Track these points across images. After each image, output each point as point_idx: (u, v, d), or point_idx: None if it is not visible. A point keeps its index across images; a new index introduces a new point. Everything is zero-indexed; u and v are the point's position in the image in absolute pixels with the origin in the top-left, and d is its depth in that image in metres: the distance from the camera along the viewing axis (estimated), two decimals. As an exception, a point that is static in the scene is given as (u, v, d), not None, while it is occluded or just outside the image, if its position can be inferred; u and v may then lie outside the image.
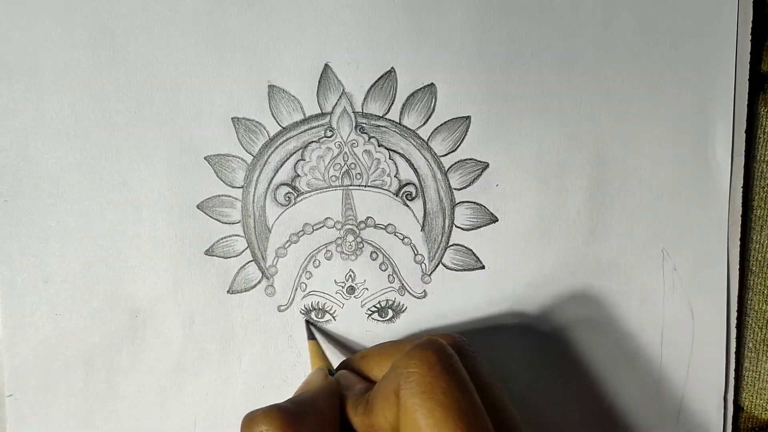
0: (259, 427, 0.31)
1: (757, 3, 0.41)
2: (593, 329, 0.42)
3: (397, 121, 0.40)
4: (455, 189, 0.41)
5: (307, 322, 0.41)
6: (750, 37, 0.41)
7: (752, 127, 0.42)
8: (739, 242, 0.43)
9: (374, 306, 0.42)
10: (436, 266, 0.41)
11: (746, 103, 0.42)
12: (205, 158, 0.40)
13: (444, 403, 0.29)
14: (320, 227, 0.41)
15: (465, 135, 0.41)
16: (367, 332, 0.42)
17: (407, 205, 0.41)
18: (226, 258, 0.41)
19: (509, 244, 0.41)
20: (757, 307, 0.43)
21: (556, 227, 0.41)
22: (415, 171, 0.41)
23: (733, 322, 0.43)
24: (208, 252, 0.40)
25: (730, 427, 0.44)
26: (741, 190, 0.42)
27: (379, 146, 0.40)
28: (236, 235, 0.40)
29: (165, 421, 0.41)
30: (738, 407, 0.45)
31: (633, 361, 0.43)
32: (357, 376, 0.37)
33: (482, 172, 0.41)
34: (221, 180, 0.40)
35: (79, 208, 0.39)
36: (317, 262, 0.41)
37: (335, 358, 0.41)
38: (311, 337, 0.41)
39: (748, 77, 0.42)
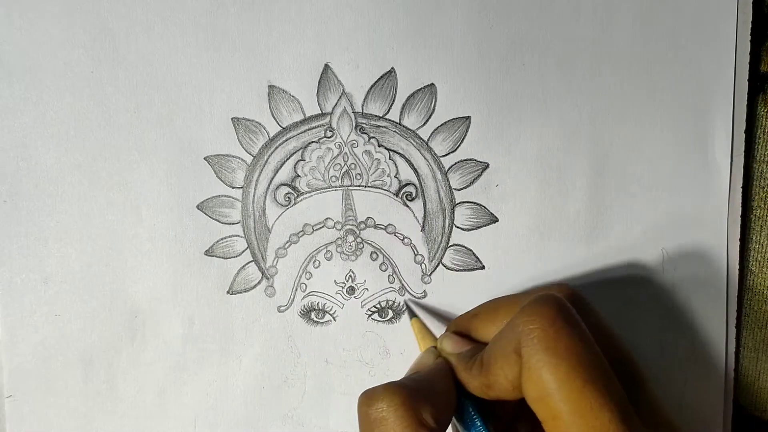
0: (378, 404, 0.31)
1: (757, 3, 0.41)
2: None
3: (397, 121, 0.40)
4: (455, 189, 0.41)
5: (406, 303, 0.41)
6: (750, 37, 0.41)
7: (752, 127, 0.42)
8: (738, 242, 0.43)
9: (374, 306, 0.42)
10: (436, 266, 0.41)
11: (746, 103, 0.42)
12: (204, 158, 0.40)
13: (568, 358, 0.29)
14: (320, 227, 0.41)
15: (465, 135, 0.41)
16: (367, 332, 0.42)
17: (407, 206, 0.41)
18: (226, 258, 0.40)
19: (509, 245, 0.41)
20: (756, 307, 0.43)
21: (556, 227, 0.41)
22: (415, 171, 0.41)
23: (733, 321, 0.43)
24: (208, 252, 0.40)
25: (729, 424, 0.44)
26: (741, 190, 0.42)
27: (379, 146, 0.40)
28: (236, 236, 0.40)
29: (164, 421, 0.41)
30: (738, 407, 0.45)
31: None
32: (462, 339, 0.36)
33: (482, 172, 0.41)
34: (221, 180, 0.40)
35: (79, 208, 0.39)
36: (317, 262, 0.41)
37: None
38: (413, 315, 0.41)
39: (747, 77, 0.42)
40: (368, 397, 0.31)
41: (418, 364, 0.36)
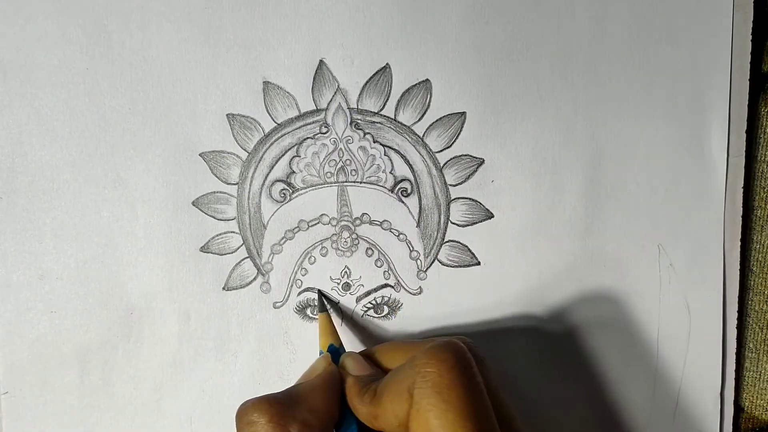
0: (249, 416, 0.32)
1: (758, 3, 0.41)
2: (589, 325, 0.42)
3: (392, 117, 0.40)
4: (450, 185, 0.41)
5: (320, 293, 0.41)
6: (750, 37, 0.41)
7: (753, 128, 0.42)
8: (739, 242, 0.43)
9: (370, 302, 0.41)
10: (432, 262, 0.41)
11: (746, 103, 0.42)
12: (200, 155, 0.40)
13: (458, 406, 0.29)
14: (315, 224, 0.41)
15: (460, 131, 0.40)
16: (362, 329, 0.42)
17: (402, 202, 0.41)
18: (222, 255, 0.40)
19: (505, 241, 0.41)
20: (757, 307, 0.43)
21: (551, 223, 0.41)
22: (411, 167, 0.41)
23: (730, 318, 0.43)
24: (204, 249, 0.40)
25: (730, 424, 0.44)
26: (741, 190, 0.42)
27: (374, 142, 0.40)
28: (231, 232, 0.40)
29: (160, 418, 0.41)
30: (738, 408, 0.45)
31: (629, 356, 0.43)
32: (365, 362, 0.37)
33: (478, 168, 0.41)
34: (216, 176, 0.40)
35: (74, 205, 0.39)
36: (312, 258, 0.41)
37: (366, 343, 0.41)
38: (323, 309, 0.41)
39: (748, 77, 0.41)
40: (241, 410, 0.32)
41: (311, 370, 0.37)
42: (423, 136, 0.40)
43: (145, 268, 0.40)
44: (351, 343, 0.42)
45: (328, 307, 0.41)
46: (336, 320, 0.41)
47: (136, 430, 0.41)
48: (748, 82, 0.42)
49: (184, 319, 0.41)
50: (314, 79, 0.40)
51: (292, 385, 0.35)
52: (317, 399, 0.34)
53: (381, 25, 0.40)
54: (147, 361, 0.41)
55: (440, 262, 0.41)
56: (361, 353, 0.38)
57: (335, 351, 0.38)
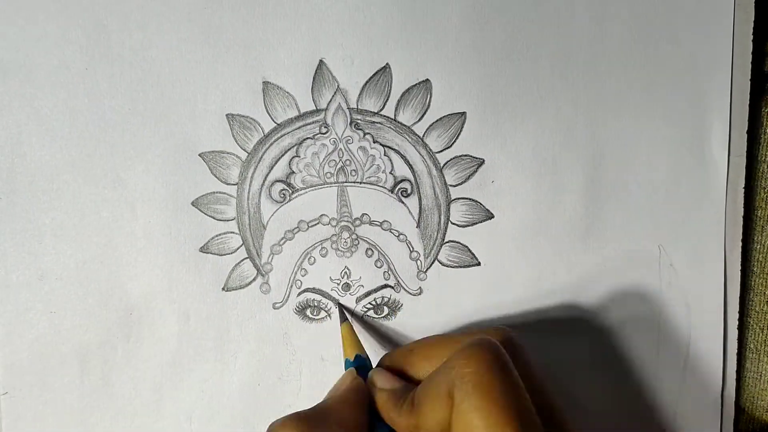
0: None
1: (759, 3, 0.41)
2: (589, 325, 0.42)
3: (392, 117, 0.40)
4: (451, 185, 0.41)
5: (340, 305, 0.41)
6: (752, 37, 0.41)
7: (754, 128, 0.42)
8: (740, 243, 0.43)
9: (370, 303, 0.41)
10: (432, 263, 0.41)
11: (747, 103, 0.41)
12: (199, 155, 0.40)
13: (500, 405, 0.29)
14: (315, 224, 0.41)
15: (460, 131, 0.40)
16: (362, 329, 0.42)
17: (402, 202, 0.41)
18: (221, 255, 0.40)
19: (505, 241, 0.41)
20: (758, 308, 0.43)
21: (552, 224, 0.41)
22: (411, 167, 0.41)
23: (731, 319, 0.43)
24: (203, 249, 0.40)
25: (730, 425, 0.44)
26: (742, 190, 0.42)
27: (374, 143, 0.40)
28: (231, 233, 0.40)
29: (160, 418, 0.41)
30: (739, 408, 0.45)
31: (629, 357, 0.43)
32: (393, 375, 0.37)
33: (478, 168, 0.41)
34: (216, 177, 0.40)
35: (74, 205, 0.39)
36: (312, 259, 0.41)
37: (366, 344, 0.41)
38: (344, 319, 0.40)
39: (749, 78, 0.41)
40: (271, 429, 0.33)
41: (336, 387, 0.37)
42: (423, 136, 0.40)
43: (145, 269, 0.40)
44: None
45: (349, 316, 0.41)
46: (356, 327, 0.41)
47: (136, 430, 0.41)
48: (749, 82, 0.41)
49: (184, 320, 0.41)
50: (314, 79, 0.40)
51: (320, 401, 0.35)
52: (345, 413, 0.34)
53: (381, 25, 0.39)
54: (146, 362, 0.41)
55: (440, 263, 0.41)
56: (386, 364, 0.38)
57: (361, 361, 0.38)
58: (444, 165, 0.41)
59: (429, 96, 0.40)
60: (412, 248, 0.41)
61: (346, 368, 0.38)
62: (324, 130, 0.40)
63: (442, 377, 0.31)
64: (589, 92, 0.41)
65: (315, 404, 0.34)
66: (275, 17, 0.39)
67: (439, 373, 0.32)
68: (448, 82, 0.40)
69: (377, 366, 0.38)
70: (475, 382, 0.30)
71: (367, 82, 0.40)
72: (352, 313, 0.42)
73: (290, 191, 0.40)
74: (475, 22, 0.40)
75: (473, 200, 0.41)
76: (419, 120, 0.40)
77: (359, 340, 0.39)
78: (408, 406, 0.33)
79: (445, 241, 0.41)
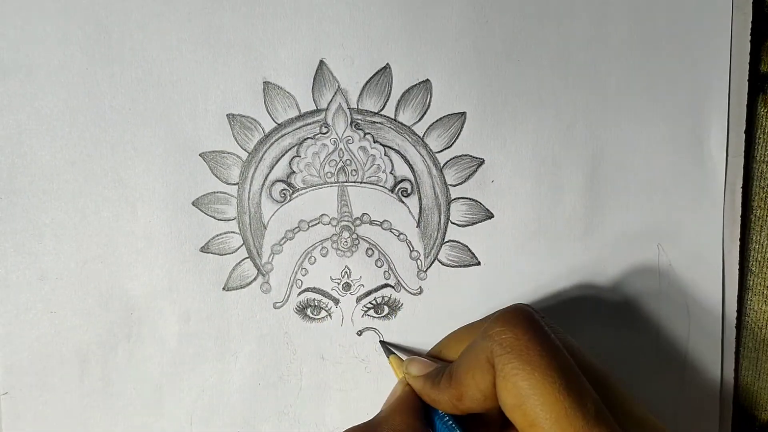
0: None
1: (757, 3, 0.41)
2: (589, 324, 0.42)
3: (393, 117, 0.40)
4: (451, 185, 0.41)
5: (382, 343, 0.42)
6: (750, 37, 0.41)
7: (752, 128, 0.42)
8: (738, 242, 0.43)
9: (370, 303, 0.41)
10: (432, 262, 0.41)
11: (746, 103, 0.42)
12: (200, 155, 0.40)
13: (542, 364, 0.30)
14: (316, 224, 0.41)
15: (460, 131, 0.40)
16: (363, 329, 0.42)
17: (403, 202, 0.41)
18: (222, 255, 0.40)
19: (505, 240, 0.41)
20: (756, 307, 0.43)
21: (551, 223, 0.41)
22: (411, 167, 0.41)
23: (729, 318, 0.43)
24: (204, 249, 0.40)
25: (729, 423, 0.44)
26: (741, 190, 0.42)
27: (374, 142, 0.40)
28: (231, 232, 0.40)
29: (160, 418, 0.41)
30: (738, 407, 0.45)
31: (629, 355, 0.43)
32: (426, 361, 0.37)
33: (478, 168, 0.41)
34: (216, 177, 0.40)
35: (74, 205, 0.39)
36: (313, 258, 0.41)
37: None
38: (389, 353, 0.41)
39: (747, 78, 0.41)
40: None
41: (390, 395, 0.38)
42: (423, 136, 0.40)
43: (145, 268, 0.40)
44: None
45: (392, 349, 0.41)
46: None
47: (136, 430, 0.41)
48: (747, 83, 0.42)
49: (184, 320, 0.41)
50: (314, 79, 0.40)
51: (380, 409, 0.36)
52: (396, 419, 0.34)
53: (381, 26, 0.39)
54: (147, 362, 0.41)
55: (440, 262, 0.41)
56: (428, 353, 0.39)
57: None
58: (444, 165, 0.41)
59: (429, 96, 0.40)
60: (413, 248, 0.41)
61: None
62: (324, 130, 0.40)
63: (480, 346, 0.32)
64: (589, 92, 0.41)
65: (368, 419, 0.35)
66: (276, 17, 0.39)
67: (475, 343, 0.32)
68: (448, 82, 0.40)
69: (411, 357, 0.38)
70: (513, 345, 0.30)
71: (367, 82, 0.40)
72: (351, 313, 0.42)
73: (291, 191, 0.41)
74: (475, 23, 0.40)
75: (473, 200, 0.41)
76: (419, 120, 0.40)
77: None
78: (446, 380, 0.34)
79: (445, 240, 0.41)
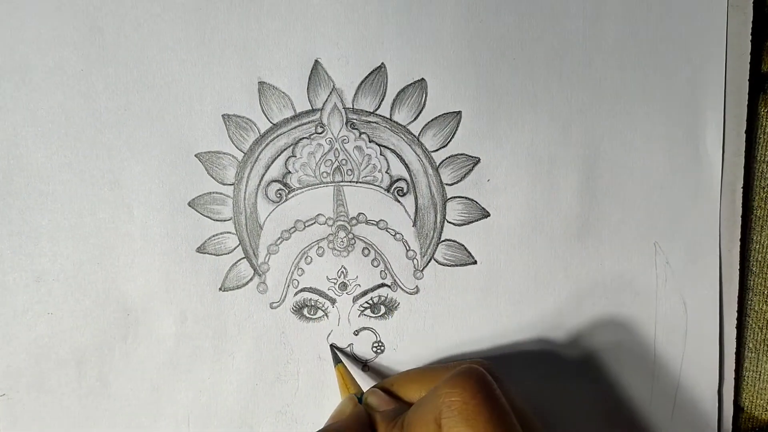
0: None
1: (757, 3, 0.41)
2: (586, 323, 0.42)
3: (388, 116, 0.40)
4: (447, 184, 0.41)
5: (332, 347, 0.42)
6: (750, 37, 0.41)
7: (752, 128, 0.42)
8: (738, 242, 0.43)
9: (367, 302, 0.41)
10: (429, 262, 0.41)
11: (746, 103, 0.41)
12: (195, 155, 0.40)
13: (487, 430, 0.30)
14: (312, 224, 0.41)
15: (456, 130, 0.40)
16: (360, 328, 0.42)
17: (399, 201, 0.41)
18: (218, 255, 0.40)
19: (501, 239, 0.41)
20: (757, 307, 0.43)
21: (548, 222, 0.41)
22: (407, 166, 0.41)
23: (728, 316, 0.43)
24: (200, 249, 0.40)
25: (729, 422, 0.44)
26: (741, 190, 0.42)
27: (370, 142, 0.40)
28: (228, 233, 0.40)
29: (158, 419, 0.41)
30: (738, 407, 0.45)
31: (626, 354, 0.43)
32: (388, 396, 0.38)
33: (473, 167, 0.41)
34: (212, 177, 0.40)
35: (70, 206, 0.39)
36: (309, 258, 0.41)
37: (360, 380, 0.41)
38: (338, 361, 0.41)
39: (748, 77, 0.41)
40: None
41: (338, 413, 0.37)
42: (419, 135, 0.40)
43: (142, 269, 0.40)
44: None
45: (342, 357, 0.41)
46: (353, 368, 0.42)
47: (134, 431, 0.41)
48: (748, 83, 0.41)
49: (181, 320, 0.41)
50: (309, 78, 0.40)
51: (322, 427, 0.35)
52: None
53: (376, 25, 0.39)
54: (144, 362, 0.41)
55: (437, 262, 0.41)
56: (381, 386, 0.39)
57: (360, 399, 0.38)
58: (440, 164, 0.41)
59: (424, 95, 0.40)
60: (409, 247, 0.41)
61: None
62: (320, 129, 0.40)
63: (430, 405, 0.32)
64: (584, 91, 0.41)
65: (323, 425, 0.35)
66: (270, 17, 0.39)
67: (427, 400, 0.33)
68: (443, 81, 0.40)
69: (372, 388, 0.39)
70: (461, 409, 0.31)
71: (362, 81, 0.40)
72: (348, 313, 0.42)
73: (286, 191, 0.41)
74: (470, 21, 0.40)
75: (469, 199, 0.41)
76: (415, 119, 0.40)
77: (354, 379, 0.40)
78: (398, 429, 0.34)
79: (442, 239, 0.41)
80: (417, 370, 0.40)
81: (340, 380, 0.40)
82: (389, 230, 0.41)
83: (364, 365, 0.42)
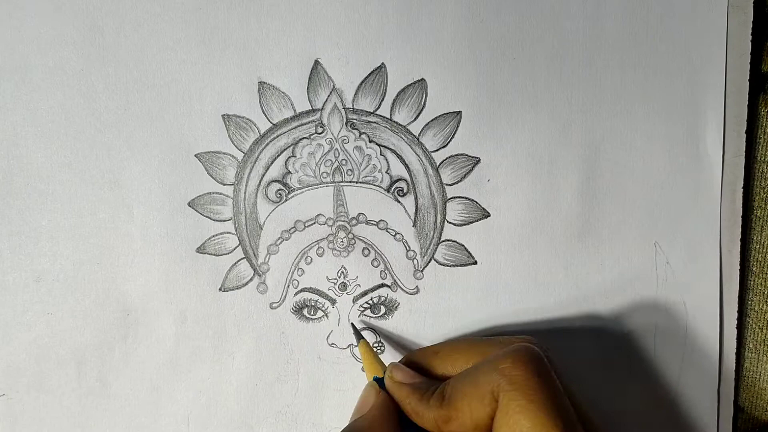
0: None
1: (757, 3, 0.41)
2: (586, 323, 0.42)
3: (388, 116, 0.40)
4: (447, 184, 0.41)
5: (353, 325, 0.41)
6: (750, 37, 0.41)
7: (753, 128, 0.42)
8: (739, 242, 0.42)
9: (367, 302, 0.41)
10: (429, 262, 0.41)
11: (746, 103, 0.41)
12: (195, 155, 0.40)
13: (547, 407, 0.30)
14: (312, 224, 0.41)
15: (456, 130, 0.40)
16: (360, 329, 0.41)
17: (399, 201, 0.41)
18: (218, 255, 0.40)
19: (501, 240, 0.41)
20: (757, 307, 0.43)
21: (548, 222, 0.41)
22: (407, 167, 0.41)
23: (728, 317, 0.43)
24: (200, 250, 0.40)
25: (729, 422, 0.44)
26: (741, 190, 0.42)
27: (370, 142, 0.40)
28: (228, 233, 0.40)
29: (158, 419, 0.41)
30: (738, 408, 0.45)
31: (626, 354, 0.43)
32: (412, 370, 0.37)
33: (474, 167, 0.41)
34: (212, 177, 0.40)
35: (70, 206, 0.39)
36: (309, 258, 0.41)
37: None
38: (359, 338, 0.41)
39: (748, 78, 0.41)
40: None
41: (362, 402, 0.37)
42: (419, 135, 0.40)
43: (142, 270, 0.40)
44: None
45: (363, 335, 0.41)
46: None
47: (134, 431, 0.41)
48: (748, 83, 0.41)
49: (181, 320, 0.41)
50: (309, 78, 0.40)
51: (349, 423, 0.35)
52: (381, 427, 0.34)
53: (376, 25, 0.39)
54: (144, 363, 0.41)
55: (437, 262, 0.41)
56: (415, 359, 0.38)
57: (382, 381, 0.38)
58: (440, 164, 0.41)
59: (424, 95, 0.40)
60: (409, 247, 0.41)
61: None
62: (320, 129, 0.40)
63: (485, 377, 0.32)
64: (585, 91, 0.41)
65: (344, 427, 0.35)
66: (270, 17, 0.39)
67: (479, 371, 0.33)
68: (443, 81, 0.40)
69: (394, 363, 0.38)
70: (522, 384, 0.31)
71: (362, 81, 0.40)
72: (348, 313, 0.42)
73: (286, 191, 0.41)
74: (470, 21, 0.40)
75: (469, 199, 0.41)
76: (415, 119, 0.40)
77: (377, 356, 0.39)
78: (437, 398, 0.34)
79: (442, 240, 0.41)
80: (465, 341, 0.39)
81: (366, 359, 0.39)
82: (389, 230, 0.41)
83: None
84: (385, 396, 0.36)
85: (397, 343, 0.42)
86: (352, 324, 0.41)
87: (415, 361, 0.38)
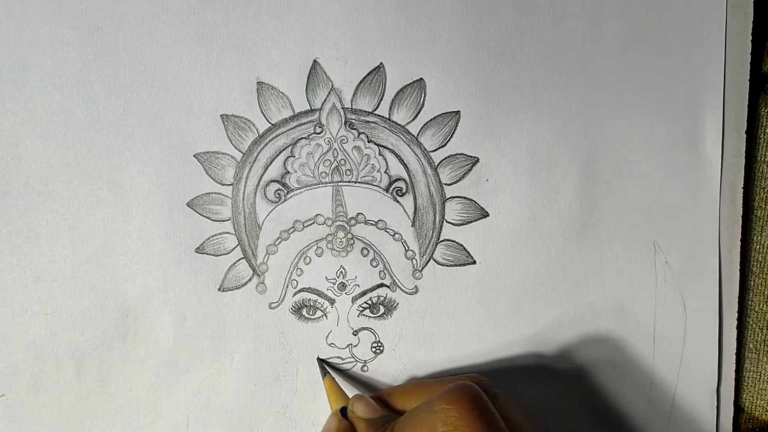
0: None
1: (757, 3, 0.41)
2: (585, 323, 0.42)
3: (387, 116, 0.40)
4: (445, 184, 0.41)
5: (320, 360, 0.42)
6: (750, 37, 0.41)
7: (753, 128, 0.42)
8: (739, 243, 0.42)
9: (366, 302, 0.41)
10: (427, 262, 0.41)
11: (746, 104, 0.41)
12: (194, 156, 0.40)
13: None
14: (310, 224, 0.41)
15: (455, 130, 0.40)
16: (359, 328, 0.41)
17: (397, 201, 0.41)
18: (217, 256, 0.40)
19: (500, 239, 0.41)
20: (757, 308, 0.43)
21: (547, 221, 0.41)
22: (405, 167, 0.41)
23: (728, 317, 0.43)
24: (199, 250, 0.40)
25: (729, 422, 0.44)
26: (741, 190, 0.42)
27: (368, 142, 0.40)
28: (226, 233, 0.40)
29: (157, 419, 0.41)
30: (738, 408, 0.44)
31: (625, 354, 0.43)
32: (374, 404, 0.38)
33: (472, 167, 0.41)
34: (211, 177, 0.40)
35: (69, 206, 0.39)
36: (308, 258, 0.41)
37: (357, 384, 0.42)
38: (325, 374, 0.41)
39: (748, 78, 0.41)
40: None
41: (326, 428, 0.38)
42: (417, 135, 0.40)
43: (141, 270, 0.40)
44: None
45: (329, 369, 0.41)
46: (340, 381, 0.42)
47: (133, 431, 0.41)
48: (748, 83, 0.41)
49: (180, 320, 0.41)
50: (308, 78, 0.40)
51: None
52: None
53: (375, 25, 0.39)
54: (143, 362, 0.41)
55: (436, 262, 0.41)
56: (376, 395, 0.39)
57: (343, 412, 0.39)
58: (438, 164, 0.41)
59: (423, 95, 0.40)
60: (408, 247, 0.41)
61: None
62: (318, 129, 0.40)
63: (424, 417, 0.33)
64: (583, 90, 0.41)
65: None
66: (269, 17, 0.39)
67: (421, 411, 0.33)
68: (442, 81, 0.40)
69: (358, 395, 0.39)
70: (457, 424, 0.31)
71: (361, 81, 0.40)
72: (347, 313, 0.42)
73: (285, 191, 0.41)
74: (469, 21, 0.40)
75: (468, 199, 0.41)
76: (413, 119, 0.40)
77: (342, 391, 0.40)
78: None
79: (441, 239, 0.41)
80: (415, 383, 0.40)
81: (330, 393, 0.40)
82: (388, 230, 0.41)
83: (363, 365, 0.42)
84: (346, 424, 0.38)
85: (396, 343, 0.42)
86: (318, 359, 0.42)
87: (379, 397, 0.39)
